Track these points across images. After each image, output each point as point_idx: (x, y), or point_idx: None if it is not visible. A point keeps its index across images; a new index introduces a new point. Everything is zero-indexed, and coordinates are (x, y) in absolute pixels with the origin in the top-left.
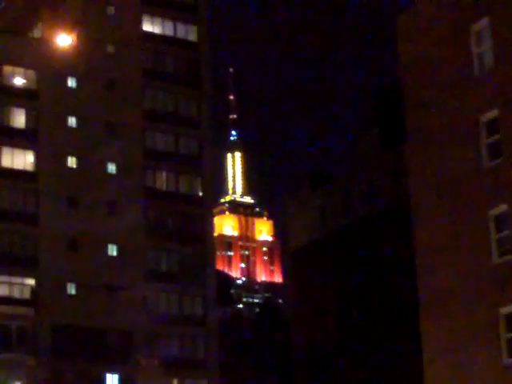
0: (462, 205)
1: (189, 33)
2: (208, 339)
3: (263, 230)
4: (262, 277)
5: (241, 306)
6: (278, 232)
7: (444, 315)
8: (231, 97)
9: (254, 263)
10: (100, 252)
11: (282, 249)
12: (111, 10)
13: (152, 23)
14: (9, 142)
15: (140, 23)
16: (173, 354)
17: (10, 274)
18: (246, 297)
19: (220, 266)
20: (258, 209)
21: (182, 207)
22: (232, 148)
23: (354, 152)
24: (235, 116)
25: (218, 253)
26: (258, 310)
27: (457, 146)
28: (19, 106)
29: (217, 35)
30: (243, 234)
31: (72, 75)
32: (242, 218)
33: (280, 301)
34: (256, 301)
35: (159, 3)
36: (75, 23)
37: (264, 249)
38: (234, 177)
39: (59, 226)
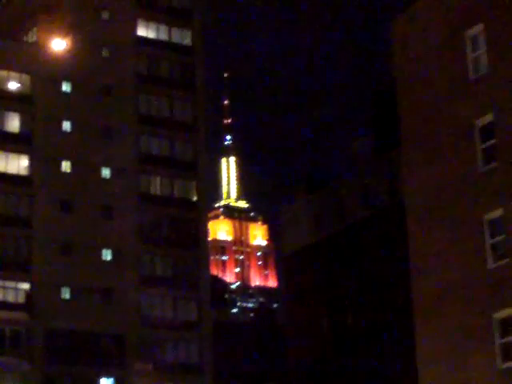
0: (457, 209)
1: (183, 37)
2: (202, 344)
3: (258, 235)
4: (256, 281)
5: (235, 310)
6: (273, 236)
7: (438, 319)
8: (226, 101)
9: (249, 268)
10: (94, 256)
11: (277, 253)
12: (106, 14)
13: (147, 28)
14: (3, 147)
15: (135, 28)
16: (167, 358)
17: (4, 278)
18: (240, 301)
19: (214, 271)
20: (252, 213)
21: (176, 212)
22: (226, 153)
23: (349, 156)
24: (230, 121)
25: (213, 257)
26: (252, 314)
27: (452, 150)
28: (13, 110)
29: (211, 40)
30: (238, 239)
31: (67, 79)
32: (237, 223)
33: (275, 305)
34: (250, 305)
35: (154, 8)
36: (70, 28)
37: (258, 253)
38: (228, 181)
39: (53, 230)
